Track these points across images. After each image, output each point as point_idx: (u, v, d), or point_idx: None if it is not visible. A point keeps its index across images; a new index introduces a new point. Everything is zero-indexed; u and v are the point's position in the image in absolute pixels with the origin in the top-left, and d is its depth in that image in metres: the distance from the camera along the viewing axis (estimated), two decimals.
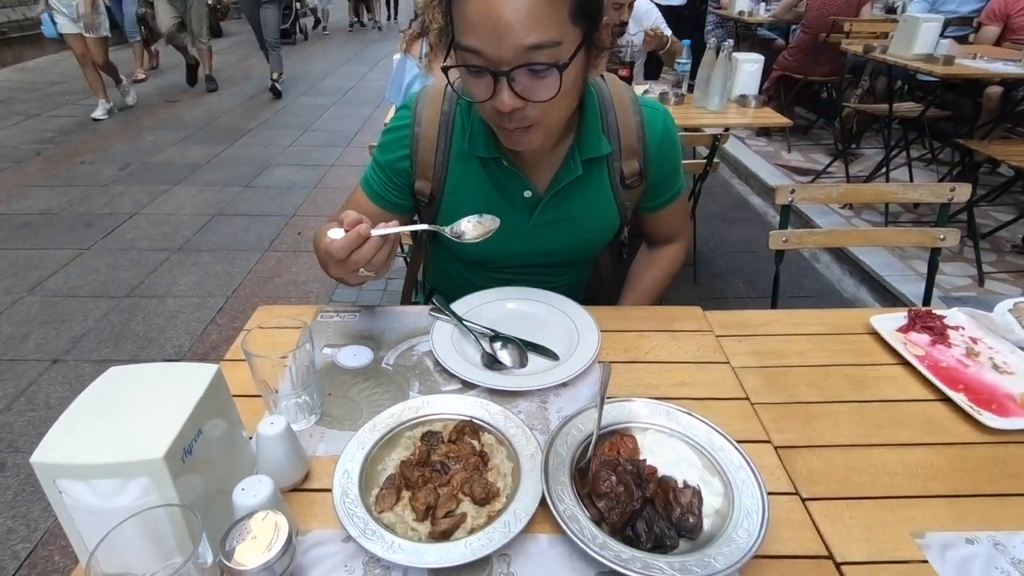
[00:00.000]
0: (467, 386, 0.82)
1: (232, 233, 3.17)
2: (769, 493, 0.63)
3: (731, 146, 4.28)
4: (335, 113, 5.53)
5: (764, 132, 4.59)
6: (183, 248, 2.99)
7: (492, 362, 0.85)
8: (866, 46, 3.22)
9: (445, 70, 0.78)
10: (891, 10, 4.71)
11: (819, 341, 0.93)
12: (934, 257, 1.42)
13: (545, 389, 0.81)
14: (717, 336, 0.94)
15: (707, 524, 0.62)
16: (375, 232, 0.76)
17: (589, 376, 0.84)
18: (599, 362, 0.85)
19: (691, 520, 0.60)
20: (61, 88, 5.91)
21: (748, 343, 0.92)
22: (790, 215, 1.39)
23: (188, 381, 0.55)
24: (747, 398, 0.81)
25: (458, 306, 0.96)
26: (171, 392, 0.54)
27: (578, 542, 0.56)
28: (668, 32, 2.64)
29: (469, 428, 0.71)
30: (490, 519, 0.61)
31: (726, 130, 2.04)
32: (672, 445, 0.70)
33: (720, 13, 5.25)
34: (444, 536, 0.59)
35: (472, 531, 0.60)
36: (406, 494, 0.63)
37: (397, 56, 2.07)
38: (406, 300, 1.29)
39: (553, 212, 0.97)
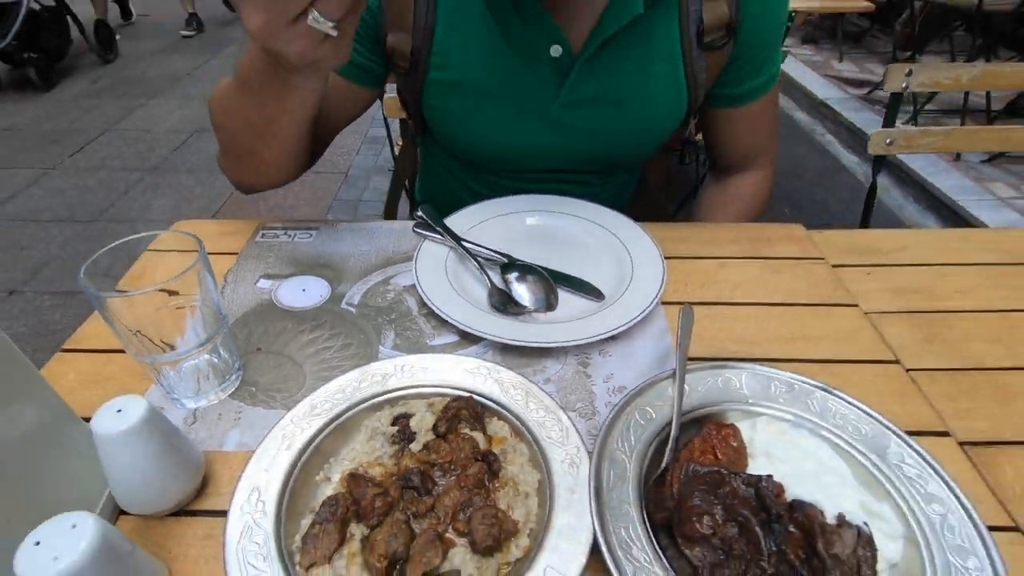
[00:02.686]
0: (467, 339, 0.54)
1: (214, 151, 2.83)
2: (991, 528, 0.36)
3: None
4: None
5: (811, 39, 4.06)
6: (159, 168, 2.67)
7: (505, 302, 0.56)
8: None
9: None
10: None
11: (993, 275, 0.63)
12: None
13: (588, 345, 0.52)
14: (833, 266, 0.64)
15: None
16: None
17: (651, 326, 0.55)
18: (664, 303, 0.56)
19: None
20: None
21: (882, 276, 0.63)
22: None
23: None
24: (897, 361, 0.52)
25: (457, 220, 0.67)
26: None
27: None
28: None
29: (468, 411, 0.43)
30: None
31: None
32: (802, 443, 0.43)
33: None
34: None
35: None
36: (357, 530, 0.37)
37: None
38: (389, 216, 1.00)
39: (594, 84, 0.65)
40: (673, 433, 0.42)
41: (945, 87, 1.01)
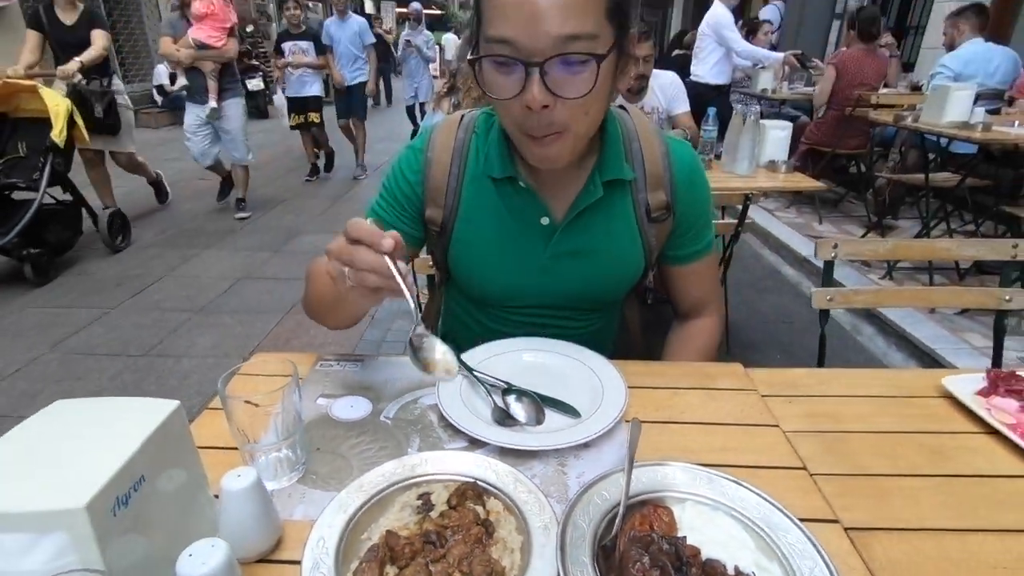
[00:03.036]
0: (474, 444, 0.71)
1: (255, 296, 3.17)
2: None
3: (760, 218, 4.22)
4: (369, 184, 5.72)
5: (793, 203, 4.54)
6: (204, 309, 2.99)
7: (504, 418, 0.74)
8: (897, 115, 3.19)
9: (472, 62, 0.73)
10: (916, 87, 4.74)
11: (883, 404, 0.80)
12: (1000, 321, 1.28)
13: (564, 450, 0.69)
14: (762, 396, 0.82)
15: None
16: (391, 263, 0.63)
17: (615, 437, 0.72)
18: (626, 421, 0.74)
19: None
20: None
21: (799, 404, 0.80)
22: (832, 281, 1.28)
23: (138, 418, 0.47)
24: (804, 467, 0.68)
25: (470, 356, 0.87)
26: (114, 430, 0.46)
27: None
28: (686, 107, 2.69)
29: (472, 492, 0.60)
30: None
31: (756, 192, 1.97)
32: (718, 521, 0.58)
33: (743, 92, 5.37)
34: None
35: None
36: (391, 570, 0.52)
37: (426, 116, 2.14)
38: None
39: (572, 241, 0.89)
40: (621, 511, 0.57)
41: (866, 257, 1.25)
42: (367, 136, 5.96)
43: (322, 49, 5.21)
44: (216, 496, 0.56)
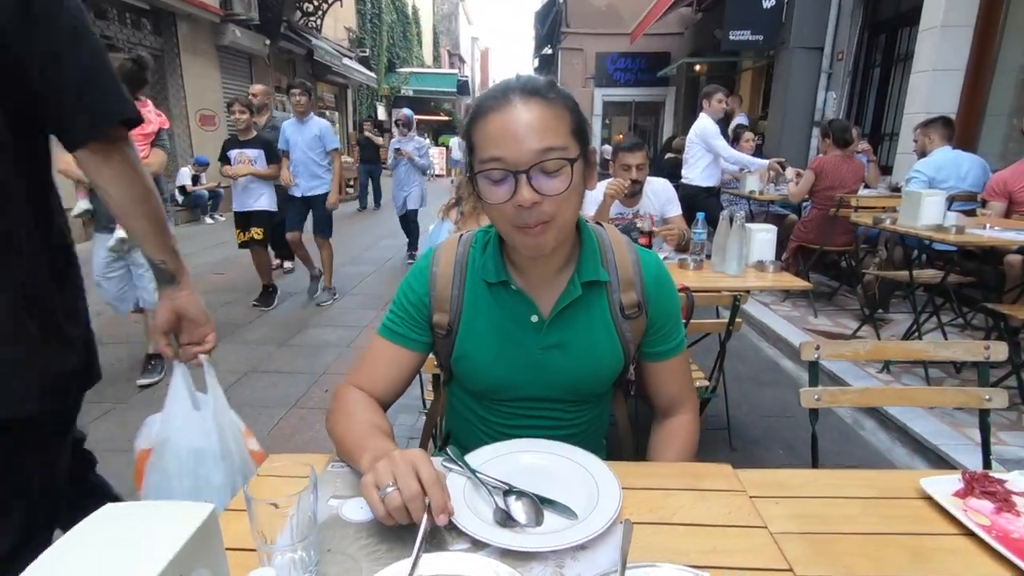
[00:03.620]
0: (477, 545, 0.75)
1: (261, 389, 3.21)
2: None
3: (757, 311, 4.32)
4: (373, 280, 5.91)
5: (789, 297, 4.66)
6: None
7: (505, 519, 0.79)
8: (875, 218, 3.39)
9: (475, 176, 0.90)
10: (895, 189, 5.03)
11: (868, 505, 0.84)
12: (984, 420, 1.33)
13: (561, 551, 0.73)
14: (751, 497, 0.86)
15: None
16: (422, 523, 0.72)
17: (610, 537, 0.76)
18: (620, 521, 0.78)
19: None
20: None
21: (787, 506, 0.84)
22: (822, 378, 1.34)
23: (178, 520, 0.53)
24: (791, 569, 0.72)
25: (472, 458, 0.93)
26: (157, 532, 0.51)
27: None
28: (678, 210, 2.88)
29: None
30: None
31: (746, 292, 2.08)
32: None
33: (732, 192, 5.69)
34: None
35: None
36: None
37: (434, 224, 2.31)
38: (423, 448, 1.25)
39: (557, 334, 1.01)
40: None
41: (847, 358, 1.32)
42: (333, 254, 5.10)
43: (275, 156, 4.57)
44: None
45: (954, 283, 3.41)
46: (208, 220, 9.46)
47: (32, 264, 0.98)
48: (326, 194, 4.77)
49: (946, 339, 3.29)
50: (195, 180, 9.40)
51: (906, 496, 0.87)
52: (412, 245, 6.78)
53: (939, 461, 2.37)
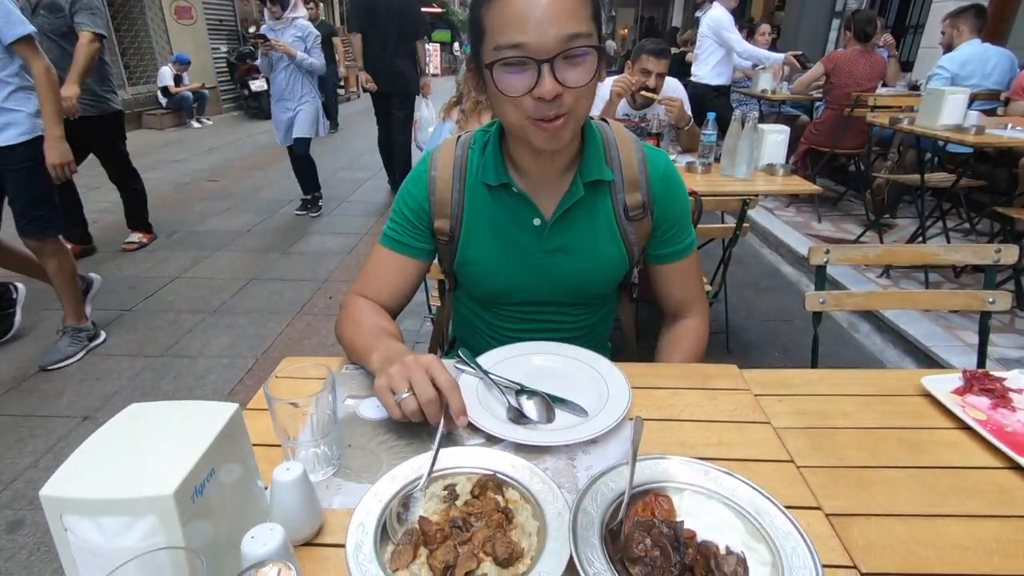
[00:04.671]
0: (492, 440, 0.78)
1: (267, 296, 3.25)
2: (824, 565, 0.56)
3: (760, 216, 4.28)
4: (372, 185, 5.79)
5: (793, 202, 4.60)
6: (218, 311, 3.06)
7: (518, 416, 0.81)
8: (892, 118, 3.25)
9: (489, 66, 0.82)
10: (914, 87, 4.79)
11: (867, 402, 0.87)
12: (984, 322, 1.35)
13: (573, 445, 0.76)
14: (756, 395, 0.89)
15: None
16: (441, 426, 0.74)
17: (620, 433, 0.79)
18: (630, 419, 0.80)
19: None
20: None
21: (789, 403, 0.87)
22: (825, 284, 1.35)
23: (205, 419, 0.54)
24: (792, 460, 0.75)
25: (483, 360, 0.94)
26: (187, 429, 0.53)
27: None
28: (688, 111, 2.74)
29: (493, 483, 0.67)
30: None
31: (755, 196, 2.04)
32: (712, 508, 0.65)
33: (743, 91, 5.42)
34: None
35: None
36: (424, 551, 0.59)
37: (434, 126, 2.22)
38: (432, 353, 1.28)
39: (559, 238, 0.99)
40: (626, 499, 0.64)
41: (856, 262, 1.31)
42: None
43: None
44: (265, 488, 0.63)
45: (965, 187, 3.34)
46: (195, 124, 9.07)
47: None
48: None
49: (950, 244, 3.28)
50: (177, 80, 8.91)
51: (904, 394, 0.90)
52: (311, 204, 4.64)
53: (928, 361, 2.44)
